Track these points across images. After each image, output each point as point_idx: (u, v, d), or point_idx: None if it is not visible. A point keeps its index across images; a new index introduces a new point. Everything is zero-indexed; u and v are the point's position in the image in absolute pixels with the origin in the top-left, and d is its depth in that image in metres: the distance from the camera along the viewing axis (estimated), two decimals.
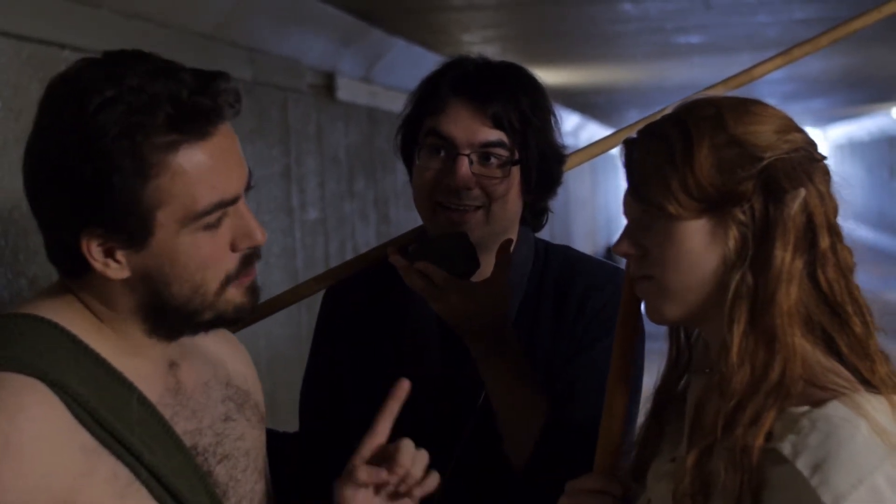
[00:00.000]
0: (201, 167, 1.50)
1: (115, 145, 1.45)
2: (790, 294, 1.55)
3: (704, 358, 1.70)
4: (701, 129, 1.57)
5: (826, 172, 1.61)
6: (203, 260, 1.53)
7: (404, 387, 1.69)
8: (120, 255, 1.51)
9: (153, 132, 1.47)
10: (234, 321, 1.61)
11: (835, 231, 1.60)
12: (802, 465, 1.44)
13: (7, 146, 2.54)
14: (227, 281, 1.56)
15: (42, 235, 1.57)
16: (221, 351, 1.78)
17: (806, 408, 1.49)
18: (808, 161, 1.59)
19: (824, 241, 1.57)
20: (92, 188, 1.46)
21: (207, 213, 1.51)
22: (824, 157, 1.63)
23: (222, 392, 1.71)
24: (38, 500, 1.43)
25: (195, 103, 1.49)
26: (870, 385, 1.55)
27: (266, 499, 1.77)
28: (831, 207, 1.60)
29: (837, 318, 1.58)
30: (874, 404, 1.50)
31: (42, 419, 1.44)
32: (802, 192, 1.56)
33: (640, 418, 1.81)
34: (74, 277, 1.57)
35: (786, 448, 1.46)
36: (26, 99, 2.62)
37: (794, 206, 1.55)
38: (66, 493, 1.45)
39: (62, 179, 1.48)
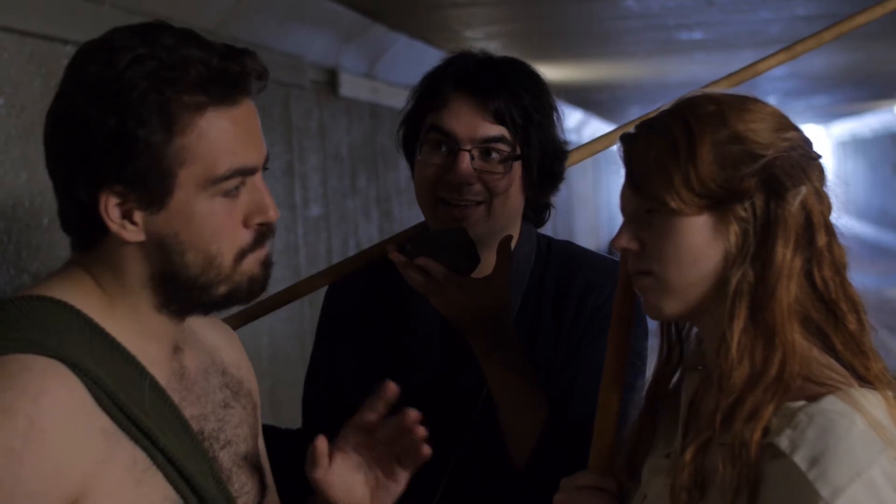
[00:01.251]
0: (225, 132, 1.52)
1: (143, 99, 1.47)
2: (790, 291, 1.56)
3: (697, 354, 1.70)
4: (703, 125, 1.58)
5: (821, 171, 1.62)
6: (217, 228, 1.53)
7: (390, 389, 1.69)
8: (137, 216, 1.51)
9: (183, 90, 1.48)
10: (248, 297, 1.60)
11: (830, 229, 1.60)
12: (800, 458, 1.45)
13: (9, 142, 2.54)
14: (242, 254, 1.56)
15: (58, 202, 1.56)
16: (216, 338, 1.78)
17: (802, 402, 1.49)
18: (806, 159, 1.60)
19: (821, 239, 1.58)
20: (116, 142, 1.47)
21: (227, 177, 1.52)
22: (820, 156, 1.63)
23: (220, 379, 1.72)
24: (59, 485, 1.42)
25: (226, 68, 1.51)
26: (865, 381, 1.56)
27: (263, 486, 1.78)
28: (827, 206, 1.61)
29: (832, 315, 1.59)
30: (869, 399, 1.51)
31: (65, 402, 1.44)
32: (804, 189, 1.57)
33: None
34: (86, 248, 1.56)
35: (783, 442, 1.47)
36: (28, 95, 2.62)
37: (795, 203, 1.56)
38: (85, 479, 1.44)
39: (86, 133, 1.48)
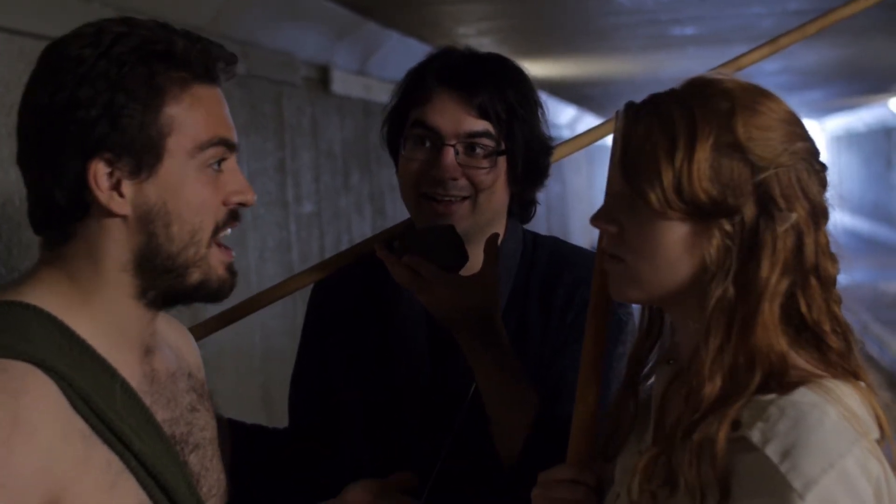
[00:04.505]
0: (208, 106, 1.58)
1: (133, 73, 1.51)
2: (773, 312, 1.51)
3: (671, 344, 1.66)
4: (709, 123, 1.51)
5: (823, 183, 1.56)
6: (204, 200, 1.57)
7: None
8: (125, 187, 1.52)
9: (170, 64, 1.54)
10: (216, 294, 1.62)
11: (822, 248, 1.54)
12: (772, 451, 1.42)
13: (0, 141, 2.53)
14: (216, 231, 1.59)
15: (36, 190, 1.56)
16: (178, 340, 1.79)
17: (773, 395, 1.47)
18: (807, 174, 1.53)
19: (810, 260, 1.53)
20: (107, 114, 1.50)
21: (212, 144, 1.56)
22: (825, 167, 1.57)
23: (186, 382, 1.71)
24: (43, 480, 1.42)
25: (204, 48, 1.58)
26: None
27: (227, 487, 1.78)
28: (822, 219, 1.55)
29: (814, 336, 1.54)
30: (843, 389, 1.48)
31: (45, 402, 1.44)
32: (794, 216, 1.51)
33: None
34: (62, 242, 1.56)
35: (755, 435, 1.44)
36: (18, 94, 2.59)
37: (785, 226, 1.51)
38: (65, 480, 1.44)
39: (77, 108, 1.50)
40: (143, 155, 1.52)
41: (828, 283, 1.55)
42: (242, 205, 1.62)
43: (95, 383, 1.51)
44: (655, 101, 1.57)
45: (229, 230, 1.63)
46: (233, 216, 1.61)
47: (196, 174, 1.56)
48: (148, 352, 1.64)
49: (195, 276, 1.58)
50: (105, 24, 1.56)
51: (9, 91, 2.59)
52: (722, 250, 1.51)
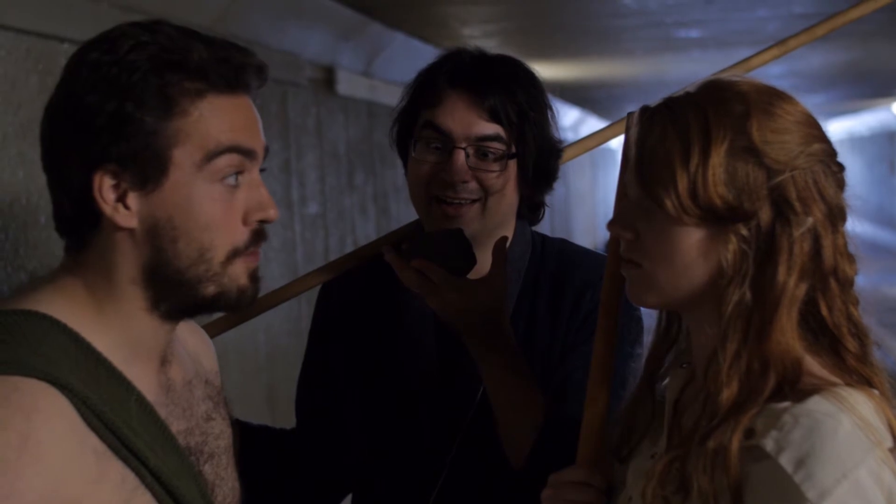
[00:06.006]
0: (224, 115, 1.51)
1: (144, 82, 1.47)
2: (791, 317, 1.50)
3: (686, 348, 1.66)
4: (723, 128, 1.49)
5: (841, 184, 1.55)
6: (214, 217, 1.51)
7: None
8: (131, 199, 1.49)
9: (184, 75, 1.49)
10: (236, 305, 1.57)
11: (840, 250, 1.54)
12: (785, 460, 1.42)
13: (6, 140, 2.54)
14: (235, 253, 1.54)
15: (52, 199, 1.54)
16: (197, 346, 1.76)
17: (787, 403, 1.46)
18: (824, 175, 1.52)
19: (828, 263, 1.52)
20: (113, 123, 1.46)
21: (221, 152, 1.50)
22: (842, 168, 1.56)
23: (203, 390, 1.69)
24: (54, 502, 1.39)
25: (227, 57, 1.52)
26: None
27: (240, 494, 1.77)
28: (840, 220, 1.54)
29: (834, 341, 1.54)
30: (857, 398, 1.47)
31: (57, 421, 1.41)
32: (810, 220, 1.50)
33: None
34: (79, 248, 1.54)
35: (768, 444, 1.44)
36: (25, 92, 2.61)
37: (803, 230, 1.50)
38: (77, 498, 1.42)
39: (84, 116, 1.47)
40: (147, 167, 1.48)
41: (846, 284, 1.55)
42: (264, 221, 1.56)
43: (110, 398, 1.48)
44: (670, 104, 1.56)
45: (258, 253, 1.57)
46: (257, 237, 1.55)
47: (206, 189, 1.50)
48: (164, 362, 1.61)
49: (210, 289, 1.54)
50: (128, 29, 1.52)
51: (15, 89, 2.59)
52: (738, 255, 1.50)
